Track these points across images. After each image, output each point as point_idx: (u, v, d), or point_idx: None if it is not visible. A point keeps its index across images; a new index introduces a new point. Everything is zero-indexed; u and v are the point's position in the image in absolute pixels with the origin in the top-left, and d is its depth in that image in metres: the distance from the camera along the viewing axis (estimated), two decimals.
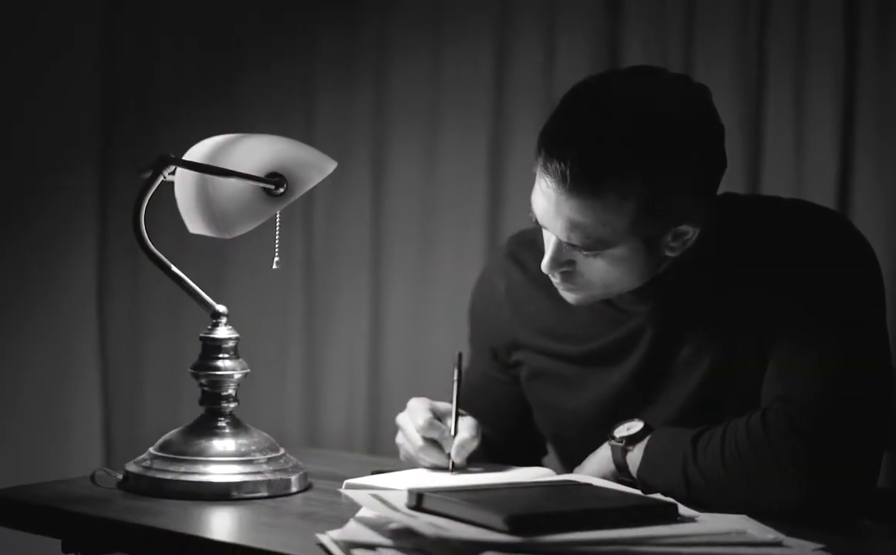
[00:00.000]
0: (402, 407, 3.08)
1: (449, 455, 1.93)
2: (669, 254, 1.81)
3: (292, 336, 3.31)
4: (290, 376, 3.31)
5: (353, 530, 1.47)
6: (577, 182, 1.71)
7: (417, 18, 3.23)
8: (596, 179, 1.71)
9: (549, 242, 1.82)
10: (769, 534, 1.48)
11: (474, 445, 1.95)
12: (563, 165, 1.71)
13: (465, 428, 1.95)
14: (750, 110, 2.82)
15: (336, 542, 1.44)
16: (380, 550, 1.40)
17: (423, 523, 1.41)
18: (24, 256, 3.40)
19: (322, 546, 1.46)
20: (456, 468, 1.93)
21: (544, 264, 1.83)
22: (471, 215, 3.16)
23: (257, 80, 3.37)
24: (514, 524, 1.38)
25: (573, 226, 1.75)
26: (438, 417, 1.96)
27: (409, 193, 3.23)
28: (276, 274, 3.23)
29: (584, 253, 1.78)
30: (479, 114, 3.15)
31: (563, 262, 1.82)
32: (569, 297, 1.87)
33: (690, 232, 1.79)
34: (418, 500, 1.51)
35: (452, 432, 1.93)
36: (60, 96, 3.45)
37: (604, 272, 1.81)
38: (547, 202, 1.77)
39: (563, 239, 1.78)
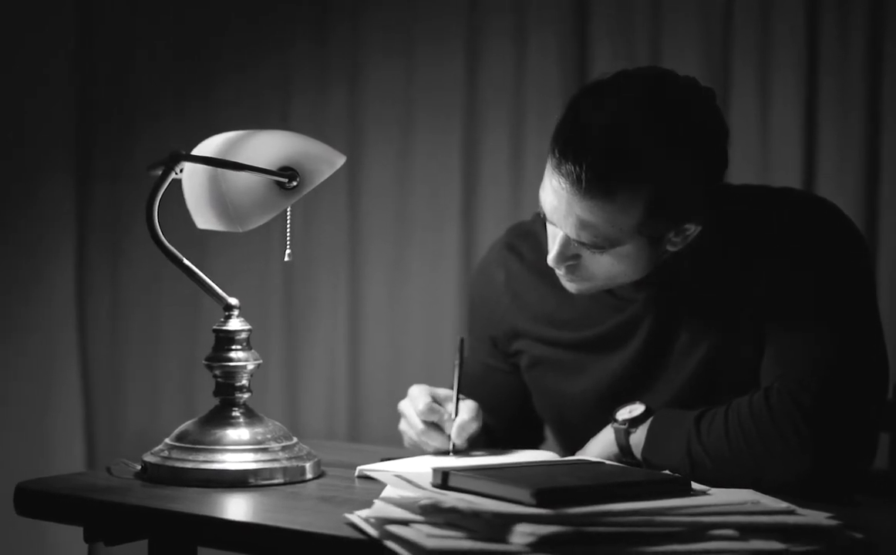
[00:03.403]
0: (382, 402, 3.13)
1: (450, 437, 1.99)
2: (671, 249, 1.88)
3: (272, 335, 3.34)
4: (271, 375, 3.33)
5: (382, 509, 1.52)
6: (591, 186, 1.77)
7: (389, 21, 3.27)
8: (609, 183, 1.77)
9: (556, 237, 1.87)
10: (781, 504, 1.54)
11: (474, 426, 2.00)
12: (578, 169, 1.76)
13: (466, 410, 2.00)
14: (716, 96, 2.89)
15: (368, 520, 1.48)
16: (413, 525, 1.44)
17: (454, 498, 1.46)
18: (3, 262, 3.41)
19: (352, 525, 1.50)
20: (457, 450, 1.99)
21: (551, 259, 1.89)
22: (445, 213, 3.20)
23: (232, 84, 3.39)
24: (542, 498, 1.44)
25: (583, 225, 1.81)
26: (439, 402, 2.01)
27: (384, 192, 3.27)
28: (254, 274, 3.31)
29: (592, 250, 1.84)
30: (451, 114, 3.20)
31: (569, 256, 1.87)
32: (571, 287, 1.93)
33: (692, 229, 1.86)
34: (444, 478, 1.57)
35: (453, 415, 1.99)
36: (37, 106, 3.46)
37: (608, 266, 1.86)
38: (558, 201, 1.82)
39: (573, 237, 1.83)
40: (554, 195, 1.82)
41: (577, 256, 1.87)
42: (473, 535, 1.41)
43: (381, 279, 3.27)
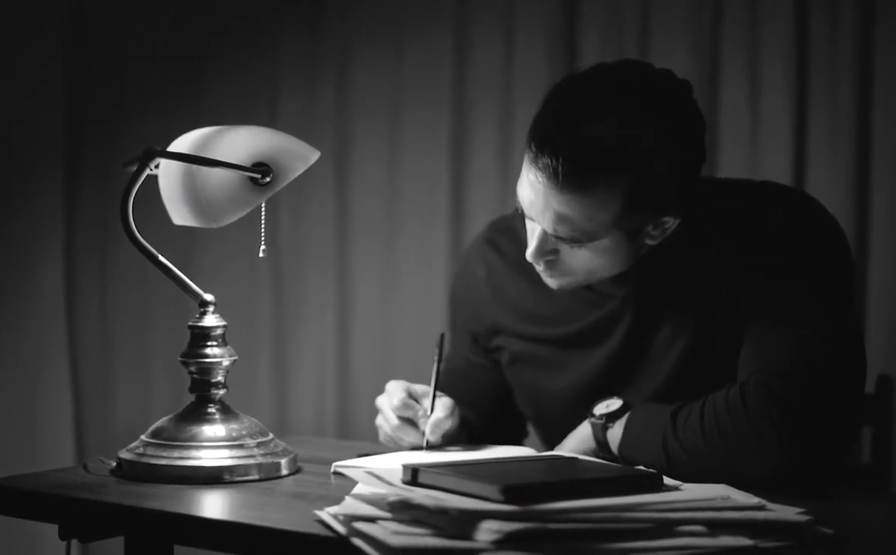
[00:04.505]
0: (371, 400, 3.13)
1: (424, 434, 1.98)
2: (650, 242, 1.87)
3: (261, 334, 3.34)
4: (260, 374, 3.34)
5: (351, 505, 1.51)
6: (568, 179, 1.76)
7: (378, 18, 3.27)
8: (586, 176, 1.76)
9: (534, 232, 1.86)
10: (752, 499, 1.53)
11: (448, 424, 2.00)
12: (554, 162, 1.75)
13: (441, 407, 2.00)
14: (705, 91, 2.88)
15: (336, 517, 1.48)
16: (380, 522, 1.44)
17: (422, 495, 1.45)
18: None
19: (321, 522, 1.50)
20: (430, 446, 1.98)
21: (529, 254, 1.88)
22: (434, 209, 3.20)
23: (220, 82, 3.40)
24: (510, 494, 1.43)
25: (560, 219, 1.80)
26: (415, 397, 2.01)
27: (373, 189, 3.27)
28: (243, 271, 3.31)
29: (570, 245, 1.83)
30: (440, 110, 3.19)
31: (548, 251, 1.86)
32: (552, 283, 1.92)
33: (671, 222, 1.85)
34: (414, 475, 1.56)
35: (429, 412, 1.98)
36: (25, 106, 3.47)
37: (587, 261, 1.86)
38: (535, 195, 1.81)
39: (550, 231, 1.82)
40: (531, 189, 1.81)
41: (555, 251, 1.86)
42: (440, 532, 1.40)
43: (370, 276, 3.27)
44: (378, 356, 3.26)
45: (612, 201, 1.78)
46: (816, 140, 2.81)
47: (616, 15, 2.98)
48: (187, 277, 3.11)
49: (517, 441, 2.20)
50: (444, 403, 2.00)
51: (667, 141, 1.79)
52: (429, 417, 1.98)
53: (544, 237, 1.85)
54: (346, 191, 3.28)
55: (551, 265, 1.89)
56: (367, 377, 3.25)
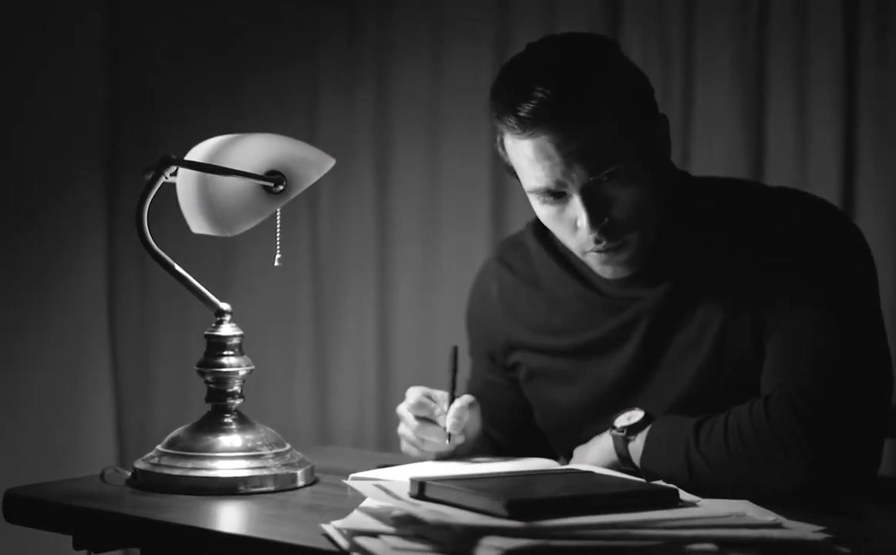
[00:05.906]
0: None
1: (445, 430, 1.97)
2: (662, 153, 1.90)
3: (300, 337, 3.33)
4: (299, 377, 3.33)
5: (356, 519, 1.49)
6: (561, 100, 1.76)
7: (418, 20, 3.25)
8: (576, 87, 1.78)
9: (577, 211, 1.83)
10: (769, 516, 1.49)
11: (468, 414, 1.99)
12: (540, 96, 1.76)
13: (459, 400, 2.00)
14: (751, 110, 2.83)
15: (340, 530, 1.46)
16: (382, 537, 1.41)
17: (425, 510, 1.43)
18: (34, 258, 3.43)
19: (327, 536, 1.48)
20: (453, 445, 1.98)
21: (587, 230, 1.83)
22: (474, 213, 3.17)
23: (260, 83, 3.39)
24: (514, 509, 1.40)
25: (581, 154, 1.78)
26: (433, 400, 2.01)
27: (413, 193, 3.25)
28: (282, 276, 3.30)
29: (604, 178, 1.80)
30: (480, 114, 3.15)
31: (600, 213, 1.82)
32: (614, 268, 1.88)
33: (665, 120, 1.90)
34: (421, 488, 1.54)
35: (446, 410, 1.97)
36: (66, 101, 3.48)
37: (630, 198, 1.82)
38: (546, 158, 1.80)
39: (582, 176, 1.79)
40: (539, 158, 1.80)
41: (605, 212, 1.82)
42: (442, 548, 1.37)
43: (410, 279, 3.25)
44: (419, 362, 3.23)
45: (610, 101, 1.80)
46: (864, 161, 2.74)
47: (660, 27, 2.93)
48: (224, 281, 3.11)
49: (551, 455, 2.16)
50: (462, 398, 2.00)
51: (617, 53, 1.88)
52: (447, 412, 1.97)
53: (587, 192, 1.81)
54: (385, 195, 3.27)
55: (609, 233, 1.83)
56: (407, 382, 3.22)
